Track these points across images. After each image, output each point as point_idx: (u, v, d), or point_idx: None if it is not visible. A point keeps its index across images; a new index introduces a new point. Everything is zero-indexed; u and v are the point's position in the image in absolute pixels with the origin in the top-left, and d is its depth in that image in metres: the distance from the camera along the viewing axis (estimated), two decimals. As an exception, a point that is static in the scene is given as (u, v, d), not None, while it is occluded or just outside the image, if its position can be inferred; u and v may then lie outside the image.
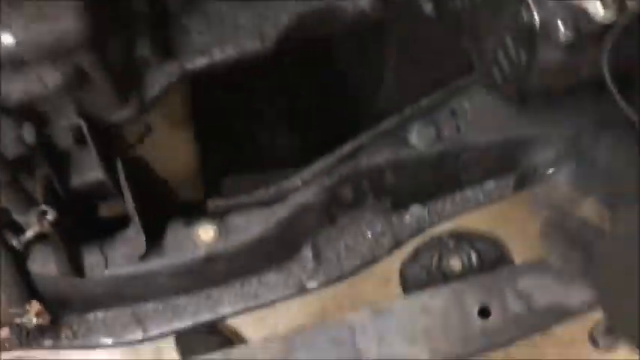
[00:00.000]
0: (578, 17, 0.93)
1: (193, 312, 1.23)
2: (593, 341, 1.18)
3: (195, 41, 1.14)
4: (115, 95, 1.04)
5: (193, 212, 1.21)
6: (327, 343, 1.11)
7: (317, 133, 1.82)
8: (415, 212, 1.28)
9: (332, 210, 1.25)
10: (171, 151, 1.46)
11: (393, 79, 1.56)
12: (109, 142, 1.10)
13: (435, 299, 1.14)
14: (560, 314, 1.09)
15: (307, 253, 1.25)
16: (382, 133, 1.24)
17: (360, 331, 1.10)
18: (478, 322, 1.12)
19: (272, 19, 1.17)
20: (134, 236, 1.13)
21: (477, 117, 1.20)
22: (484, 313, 1.13)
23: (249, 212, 1.19)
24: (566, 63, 0.96)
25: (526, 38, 0.98)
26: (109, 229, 1.17)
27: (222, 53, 1.15)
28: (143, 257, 1.13)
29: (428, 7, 1.18)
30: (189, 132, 1.54)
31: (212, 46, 1.15)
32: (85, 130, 1.03)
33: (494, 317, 1.11)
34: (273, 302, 1.25)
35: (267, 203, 1.20)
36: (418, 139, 1.23)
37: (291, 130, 1.91)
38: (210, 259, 1.17)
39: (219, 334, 1.83)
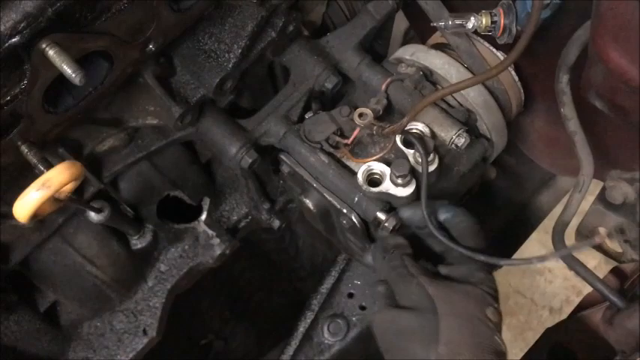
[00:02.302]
0: (389, 201, 0.99)
1: None
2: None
3: None
4: None
5: None
6: None
7: (267, 320, 1.88)
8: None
9: None
10: None
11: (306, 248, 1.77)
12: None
13: None
14: None
15: None
16: (299, 347, 1.25)
17: None
18: None
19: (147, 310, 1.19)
20: None
21: (370, 291, 1.22)
22: None
23: None
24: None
25: (360, 232, 1.02)
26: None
27: None
28: None
29: (276, 224, 1.21)
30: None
31: None
32: None
33: None
34: None
35: None
36: (332, 335, 1.24)
37: (242, 328, 1.95)
38: None
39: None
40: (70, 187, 0.71)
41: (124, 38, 0.74)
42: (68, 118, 0.78)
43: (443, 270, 0.95)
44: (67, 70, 0.65)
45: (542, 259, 0.99)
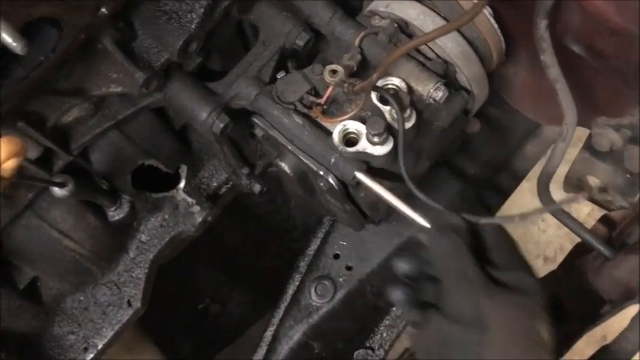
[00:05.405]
0: (366, 161, 0.95)
1: None
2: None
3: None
4: None
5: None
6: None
7: (263, 282, 1.88)
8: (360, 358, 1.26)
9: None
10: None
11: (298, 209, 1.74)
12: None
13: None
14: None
15: None
16: (286, 310, 1.23)
17: None
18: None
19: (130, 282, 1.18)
20: None
21: (356, 251, 1.21)
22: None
23: None
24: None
25: (339, 194, 0.99)
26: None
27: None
28: None
29: (257, 188, 1.18)
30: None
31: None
32: None
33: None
34: None
35: None
36: (319, 297, 1.23)
37: (238, 291, 1.95)
38: None
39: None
40: (11, 164, 0.67)
41: (71, 2, 0.70)
42: (22, 90, 0.75)
43: (494, 273, 0.83)
44: (7, 38, 0.61)
45: (523, 217, 0.95)
